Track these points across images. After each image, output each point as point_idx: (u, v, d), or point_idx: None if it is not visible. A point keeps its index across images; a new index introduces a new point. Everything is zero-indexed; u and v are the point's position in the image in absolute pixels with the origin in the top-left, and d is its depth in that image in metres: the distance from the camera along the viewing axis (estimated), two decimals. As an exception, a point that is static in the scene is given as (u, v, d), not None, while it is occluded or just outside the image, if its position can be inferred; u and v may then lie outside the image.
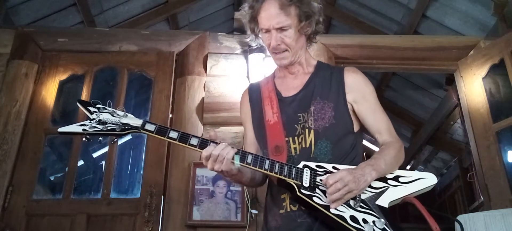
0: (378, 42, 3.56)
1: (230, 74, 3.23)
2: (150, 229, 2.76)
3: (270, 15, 1.51)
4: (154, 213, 2.81)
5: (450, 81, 4.36)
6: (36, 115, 3.09)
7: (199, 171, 2.86)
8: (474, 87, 3.32)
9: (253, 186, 1.64)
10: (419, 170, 7.42)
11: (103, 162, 3.19)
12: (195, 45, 3.34)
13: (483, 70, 3.30)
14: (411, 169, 7.17)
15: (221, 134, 3.00)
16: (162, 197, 2.90)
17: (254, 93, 1.67)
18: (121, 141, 3.55)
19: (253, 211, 2.76)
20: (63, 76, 3.25)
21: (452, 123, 5.52)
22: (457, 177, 6.00)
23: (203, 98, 3.14)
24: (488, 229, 2.34)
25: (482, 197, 3.95)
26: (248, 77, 3.19)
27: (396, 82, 5.64)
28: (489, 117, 3.17)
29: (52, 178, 3.88)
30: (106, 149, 3.36)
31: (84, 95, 3.17)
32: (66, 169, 3.13)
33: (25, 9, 3.82)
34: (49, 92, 3.18)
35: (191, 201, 2.79)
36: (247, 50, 3.23)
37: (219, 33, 3.41)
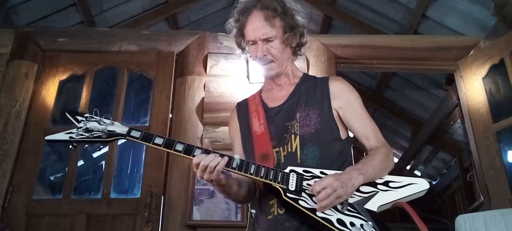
0: (378, 42, 3.55)
1: (230, 74, 3.23)
2: (150, 229, 2.76)
3: (256, 27, 1.54)
4: (154, 213, 2.81)
5: (450, 81, 4.36)
6: (36, 115, 3.09)
7: (199, 171, 2.86)
8: (474, 87, 3.32)
9: (241, 201, 1.63)
10: (419, 170, 7.41)
11: (103, 162, 3.19)
12: (195, 45, 3.34)
13: (483, 70, 3.30)
14: (411, 169, 7.17)
15: (221, 133, 3.00)
16: (162, 197, 2.90)
17: (242, 109, 1.70)
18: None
19: (253, 211, 2.75)
20: (63, 76, 3.25)
21: (452, 123, 5.52)
22: (457, 177, 5.99)
23: (203, 98, 3.14)
24: (488, 229, 2.34)
25: (482, 197, 3.95)
26: (248, 77, 3.19)
27: (396, 82, 5.64)
28: (489, 117, 3.17)
29: (52, 178, 3.89)
30: (106, 149, 3.36)
31: (84, 95, 3.17)
32: (66, 169, 3.13)
33: (25, 9, 3.83)
34: (49, 92, 3.18)
35: (191, 201, 2.80)
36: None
37: (219, 33, 3.39)
